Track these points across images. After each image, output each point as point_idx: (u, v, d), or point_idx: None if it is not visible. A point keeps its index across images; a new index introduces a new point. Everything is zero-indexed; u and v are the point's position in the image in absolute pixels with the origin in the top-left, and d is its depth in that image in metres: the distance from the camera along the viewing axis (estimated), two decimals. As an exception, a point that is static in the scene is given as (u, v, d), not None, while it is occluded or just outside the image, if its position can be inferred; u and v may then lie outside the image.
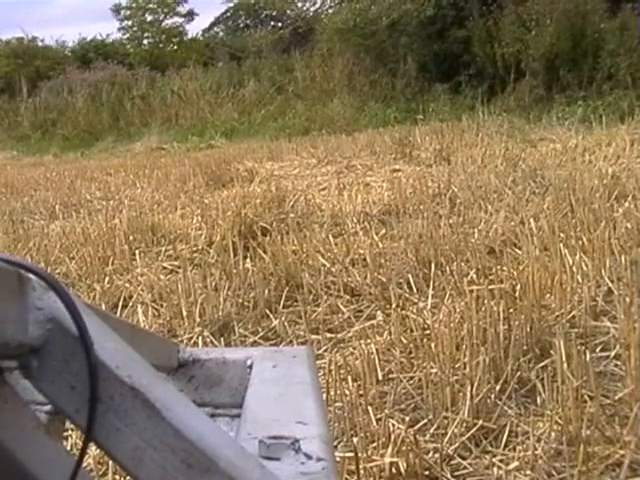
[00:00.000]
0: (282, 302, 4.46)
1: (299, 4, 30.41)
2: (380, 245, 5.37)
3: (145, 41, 32.66)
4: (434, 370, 3.06)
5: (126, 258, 5.76)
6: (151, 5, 32.45)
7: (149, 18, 32.75)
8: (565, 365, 2.95)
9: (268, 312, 4.34)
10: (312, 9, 29.29)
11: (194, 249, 5.80)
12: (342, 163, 10.08)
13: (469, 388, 2.81)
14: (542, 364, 3.16)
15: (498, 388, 2.95)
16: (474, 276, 4.20)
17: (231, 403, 1.31)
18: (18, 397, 0.82)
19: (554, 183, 6.62)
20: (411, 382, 3.11)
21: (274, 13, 31.42)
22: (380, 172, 9.11)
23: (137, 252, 5.87)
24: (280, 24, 30.48)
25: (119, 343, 0.83)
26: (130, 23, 32.67)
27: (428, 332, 3.58)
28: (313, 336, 3.96)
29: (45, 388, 0.78)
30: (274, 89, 22.39)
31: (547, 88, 16.99)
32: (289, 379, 1.26)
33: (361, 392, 3.02)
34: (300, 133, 17.34)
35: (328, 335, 3.95)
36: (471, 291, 3.68)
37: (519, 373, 3.09)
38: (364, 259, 5.06)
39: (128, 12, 32.57)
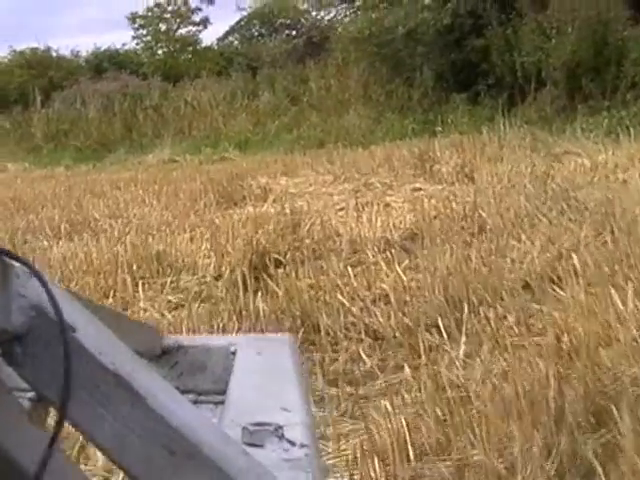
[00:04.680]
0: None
1: (313, 13, 30.01)
2: (404, 278, 4.92)
3: (159, 50, 32.35)
4: (475, 451, 2.60)
5: (128, 290, 5.35)
6: (166, 15, 32.16)
7: (163, 27, 32.45)
8: (629, 441, 2.49)
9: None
10: (327, 18, 28.90)
11: (202, 281, 5.36)
12: (360, 180, 9.62)
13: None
14: (601, 439, 2.69)
15: (553, 473, 2.49)
16: (512, 322, 3.73)
17: (215, 390, 1.31)
18: (1, 384, 0.82)
19: (590, 207, 6.15)
20: (449, 465, 2.65)
21: (288, 22, 31.02)
22: (400, 191, 8.65)
23: (140, 283, 5.45)
24: (294, 33, 30.07)
25: (102, 330, 0.83)
26: (144, 32, 32.38)
27: (463, 393, 3.12)
28: (332, 389, 3.51)
29: (28, 375, 0.78)
30: (288, 100, 21.98)
31: (569, 98, 16.50)
32: (273, 366, 1.28)
33: (390, 475, 2.57)
34: (315, 145, 16.91)
35: (348, 389, 3.50)
36: (512, 343, 3.22)
37: (574, 448, 2.62)
38: (387, 295, 4.61)
39: (143, 21, 32.27)
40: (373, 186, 9.12)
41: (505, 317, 3.87)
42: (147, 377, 0.81)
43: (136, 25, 32.25)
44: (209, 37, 33.56)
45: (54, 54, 30.66)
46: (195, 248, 6.51)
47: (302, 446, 0.97)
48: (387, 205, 7.81)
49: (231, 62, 28.63)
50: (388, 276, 4.99)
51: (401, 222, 6.72)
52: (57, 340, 0.77)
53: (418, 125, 17.50)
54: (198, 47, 32.31)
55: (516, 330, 3.63)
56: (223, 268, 5.43)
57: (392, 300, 4.49)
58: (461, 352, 3.58)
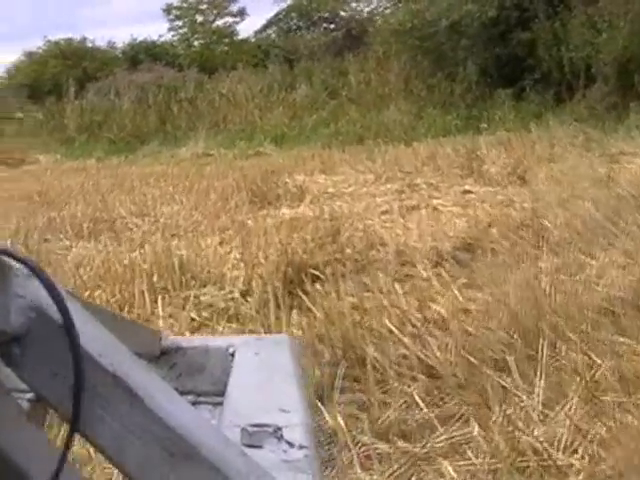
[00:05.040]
0: (338, 382, 3.39)
1: (352, 4, 29.38)
2: (460, 299, 4.27)
3: (195, 42, 31.89)
4: None
5: (147, 305, 4.74)
6: (202, 6, 31.71)
7: (200, 19, 32.02)
8: None
9: (318, 401, 3.23)
10: (366, 10, 28.27)
11: (229, 296, 4.73)
12: (403, 180, 8.96)
13: None
14: None
15: None
16: (603, 367, 3.06)
17: (213, 391, 1.30)
18: (0, 385, 0.82)
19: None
20: None
21: (326, 15, 30.45)
22: (448, 193, 7.98)
23: (160, 297, 4.83)
24: (333, 26, 29.47)
25: (102, 331, 0.83)
26: (180, 24, 31.95)
27: (548, 462, 2.47)
28: (381, 445, 2.88)
29: (27, 376, 0.78)
30: (327, 93, 21.35)
31: (620, 95, 15.71)
32: (271, 367, 1.28)
33: None
34: (354, 141, 16.25)
35: (401, 444, 2.86)
36: (608, 400, 2.56)
37: None
38: (443, 319, 3.96)
39: (179, 12, 31.85)
40: (418, 187, 8.44)
41: (590, 358, 3.19)
42: (146, 378, 0.80)
43: (171, 16, 31.79)
44: (246, 29, 33.03)
45: (89, 45, 30.22)
46: (223, 254, 5.91)
47: (301, 447, 0.97)
48: (435, 209, 7.14)
49: (268, 54, 28.08)
50: (442, 295, 4.34)
51: (452, 229, 6.05)
52: (58, 341, 0.76)
53: (461, 121, 16.83)
54: (235, 39, 31.73)
55: (608, 376, 2.95)
56: (254, 282, 4.80)
57: (449, 326, 3.82)
58: (539, 402, 2.92)
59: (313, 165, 12.00)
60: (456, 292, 4.35)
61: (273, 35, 31.70)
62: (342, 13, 30.00)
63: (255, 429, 1.00)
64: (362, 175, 9.96)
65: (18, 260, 0.78)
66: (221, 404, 1.22)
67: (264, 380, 1.24)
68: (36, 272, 0.77)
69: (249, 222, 7.48)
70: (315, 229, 6.06)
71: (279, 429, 1.01)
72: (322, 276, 4.87)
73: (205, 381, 1.34)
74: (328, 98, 21.08)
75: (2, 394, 0.83)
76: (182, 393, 1.23)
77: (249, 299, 4.55)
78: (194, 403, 1.29)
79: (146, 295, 4.82)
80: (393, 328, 3.80)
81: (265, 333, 3.92)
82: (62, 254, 7.11)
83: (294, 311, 4.30)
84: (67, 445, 0.77)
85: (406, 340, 3.66)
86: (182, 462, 0.75)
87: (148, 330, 1.50)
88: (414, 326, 3.91)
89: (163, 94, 24.04)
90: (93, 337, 0.79)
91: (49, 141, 23.68)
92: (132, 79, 25.79)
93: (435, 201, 7.54)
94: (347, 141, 16.35)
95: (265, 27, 31.60)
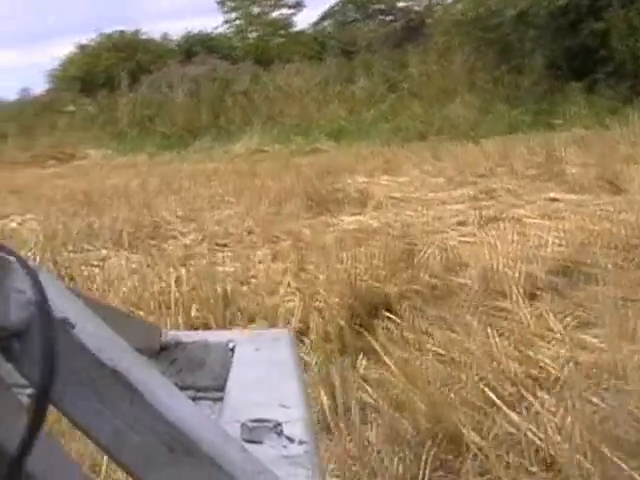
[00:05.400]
0: (424, 473, 2.55)
1: (412, -7, 28.42)
2: (569, 346, 3.40)
3: (251, 34, 31.23)
4: None
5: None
6: (258, -4, 31.09)
7: (255, 10, 31.34)
8: None
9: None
10: (424, 0, 27.27)
11: None
12: (477, 184, 8.06)
13: None
14: None
15: None
16: None
17: (213, 386, 1.30)
18: (0, 380, 0.81)
19: None
20: None
21: (383, 7, 29.60)
22: (531, 201, 7.03)
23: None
24: (389, 18, 28.58)
25: (101, 326, 0.82)
26: (236, 15, 31.32)
27: None
28: None
29: (27, 371, 0.76)
30: (386, 86, 20.43)
31: (701, 86, 14.71)
32: (271, 362, 1.26)
33: None
34: (415, 137, 15.39)
35: None
36: None
37: None
38: (555, 378, 3.10)
39: (234, 4, 31.24)
40: (495, 193, 7.51)
41: None
42: (146, 373, 0.79)
43: (226, 8, 31.22)
44: (302, 21, 32.28)
45: (142, 37, 29.68)
46: (275, 275, 5.09)
47: (301, 443, 0.96)
48: (519, 221, 6.22)
49: (324, 47, 27.32)
50: (546, 339, 3.48)
51: (543, 248, 5.16)
52: (57, 336, 0.74)
53: (529, 116, 15.85)
54: (291, 31, 31.04)
55: None
56: (311, 317, 3.95)
57: (561, 388, 2.96)
58: None
59: (374, 164, 11.17)
60: (564, 336, 3.48)
61: (329, 27, 31.00)
62: (399, 4, 29.11)
63: (255, 424, 0.97)
64: (430, 178, 9.07)
65: (14, 256, 0.76)
66: (221, 399, 1.20)
67: (264, 375, 1.21)
68: (26, 268, 0.76)
69: (306, 231, 6.68)
70: (384, 246, 5.18)
71: (279, 424, 0.97)
72: (395, 310, 4.01)
73: (205, 376, 1.32)
74: (388, 91, 20.18)
75: (2, 389, 0.81)
76: (182, 388, 1.08)
77: (305, 339, 3.72)
78: (194, 398, 1.25)
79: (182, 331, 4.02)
80: (492, 395, 2.93)
81: (324, 389, 3.13)
82: (96, 266, 6.42)
83: (362, 359, 3.47)
84: (37, 415, 0.71)
85: (513, 415, 2.79)
86: (182, 457, 0.74)
87: (148, 325, 1.46)
88: (516, 386, 3.05)
89: (217, 87, 23.37)
90: (92, 332, 0.78)
91: (100, 135, 23.17)
92: (186, 72, 25.17)
93: (517, 211, 6.62)
94: (408, 137, 15.53)
95: (321, 19, 30.90)
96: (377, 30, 26.25)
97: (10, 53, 57.24)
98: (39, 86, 33.97)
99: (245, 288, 4.72)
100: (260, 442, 0.96)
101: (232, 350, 1.33)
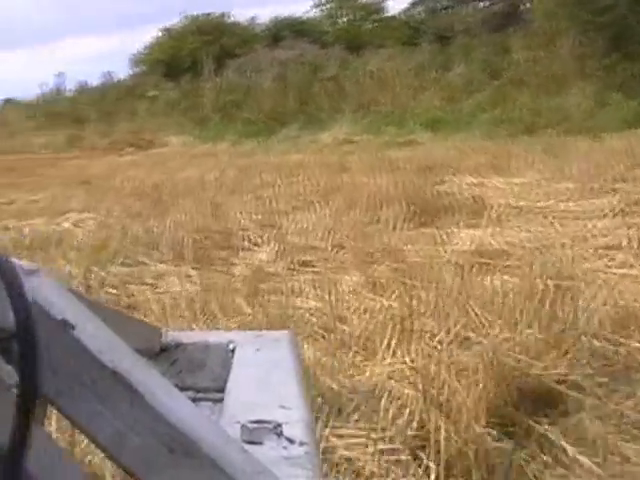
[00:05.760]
0: None
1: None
2: None
3: (341, 19, 29.97)
4: None
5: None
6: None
7: (347, -6, 30.09)
8: None
9: None
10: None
11: (384, 449, 2.48)
12: (619, 192, 6.53)
13: None
14: None
15: None
16: None
17: (214, 387, 1.29)
18: (1, 381, 0.79)
19: None
20: None
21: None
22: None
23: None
24: (483, 4, 26.87)
25: (101, 327, 0.81)
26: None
27: None
28: None
29: None
30: (487, 73, 18.85)
31: None
32: (271, 363, 1.26)
33: None
34: (521, 131, 13.86)
35: None
36: None
37: None
38: None
39: (323, -12, 30.05)
40: (648, 204, 6.02)
41: None
42: (146, 375, 0.79)
43: (315, -7, 30.07)
44: (393, 8, 30.82)
45: (229, 21, 28.67)
46: (369, 316, 3.76)
47: (301, 444, 0.95)
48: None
49: (417, 32, 25.84)
50: None
51: None
52: (57, 337, 0.75)
53: (650, 108, 14.17)
54: (383, 16, 29.68)
55: None
56: (432, 418, 2.55)
57: None
58: None
59: (478, 160, 9.76)
60: None
61: (422, 13, 29.56)
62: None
63: (255, 425, 0.96)
64: (551, 180, 7.59)
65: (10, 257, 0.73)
66: (221, 400, 1.16)
67: (264, 376, 1.17)
68: (24, 270, 0.74)
69: (409, 249, 5.35)
70: (523, 285, 3.76)
71: (279, 425, 0.96)
72: (558, 404, 2.62)
73: (205, 377, 1.29)
74: (488, 79, 18.60)
75: (2, 390, 0.78)
76: (182, 389, 1.08)
77: (427, 460, 2.33)
78: (194, 399, 1.19)
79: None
80: None
81: None
82: (148, 285, 5.23)
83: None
84: (27, 411, 0.68)
85: None
86: (182, 459, 0.74)
87: (148, 326, 1.39)
88: None
89: (305, 72, 22.16)
90: (92, 333, 0.77)
91: (182, 121, 22.24)
92: (274, 56, 24.03)
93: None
94: (513, 130, 14.00)
95: (413, 4, 29.47)
96: (475, 14, 24.65)
97: (97, 39, 57.16)
98: (123, 72, 33.23)
99: (331, 343, 3.35)
100: (260, 443, 0.94)
101: (232, 351, 1.30)
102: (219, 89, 23.40)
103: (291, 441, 0.95)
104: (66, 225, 7.77)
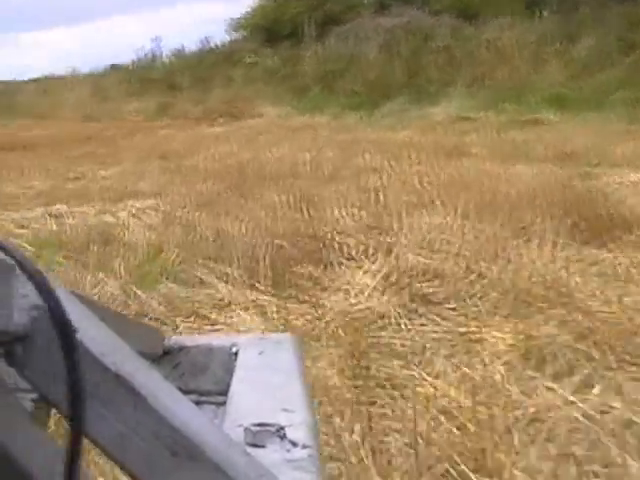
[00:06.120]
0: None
1: None
2: None
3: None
4: None
5: None
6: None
7: (462, -43, 28.16)
8: None
9: None
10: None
11: None
12: None
13: None
14: None
15: None
16: None
17: (216, 390, 1.27)
18: (3, 384, 0.80)
19: None
20: None
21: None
22: None
23: None
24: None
25: (104, 330, 0.80)
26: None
27: None
28: None
29: (30, 376, 0.75)
30: (621, 45, 16.79)
31: None
32: (275, 366, 1.25)
33: None
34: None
35: None
36: None
37: None
38: None
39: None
40: None
41: None
42: (149, 378, 0.77)
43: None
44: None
45: (334, -16, 27.00)
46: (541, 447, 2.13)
47: (305, 447, 0.94)
48: None
49: (537, 1, 23.77)
50: None
51: None
52: (60, 341, 0.71)
53: None
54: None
55: None
56: None
57: None
58: None
59: (627, 148, 7.97)
60: None
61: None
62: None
63: (258, 428, 0.95)
64: None
65: (16, 258, 0.70)
66: (224, 404, 1.14)
67: (267, 379, 1.17)
68: (28, 271, 0.70)
69: (575, 281, 3.67)
70: None
71: (282, 428, 0.96)
72: None
73: (208, 380, 1.27)
74: (623, 53, 16.56)
75: (5, 394, 0.79)
76: (185, 393, 1.00)
77: None
78: (197, 403, 1.18)
79: None
80: None
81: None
82: (203, 321, 3.71)
83: None
84: (75, 447, 0.67)
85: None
86: (185, 462, 0.72)
87: (151, 329, 1.38)
88: None
89: (414, 41, 20.45)
90: (95, 336, 0.75)
91: (279, 91, 20.77)
92: (379, 23, 22.37)
93: None
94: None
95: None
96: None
97: (196, 5, 56.16)
98: (222, 37, 31.88)
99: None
100: (263, 446, 0.93)
101: (235, 354, 1.27)
102: (320, 58, 21.87)
103: (294, 444, 0.93)
104: (122, 215, 6.27)
